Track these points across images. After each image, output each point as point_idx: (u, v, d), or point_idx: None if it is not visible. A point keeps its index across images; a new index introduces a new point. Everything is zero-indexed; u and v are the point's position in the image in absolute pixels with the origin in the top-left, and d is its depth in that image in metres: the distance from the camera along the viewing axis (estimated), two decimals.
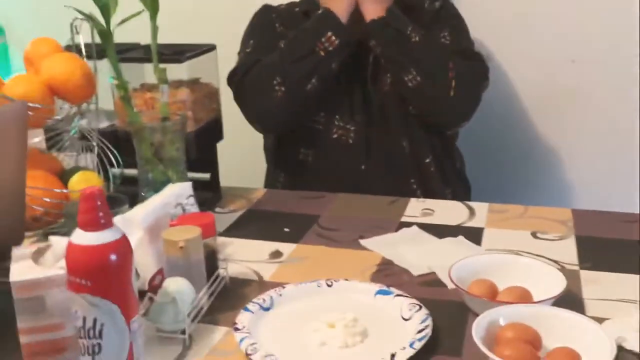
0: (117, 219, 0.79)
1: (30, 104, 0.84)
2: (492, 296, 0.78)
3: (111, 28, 0.87)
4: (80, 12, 0.86)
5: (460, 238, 1.01)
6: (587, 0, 1.50)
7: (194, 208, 0.91)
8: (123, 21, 0.87)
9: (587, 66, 1.53)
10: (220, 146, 1.23)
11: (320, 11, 1.27)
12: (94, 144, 1.04)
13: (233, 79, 1.28)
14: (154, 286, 0.78)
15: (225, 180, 1.26)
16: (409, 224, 1.07)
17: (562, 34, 1.52)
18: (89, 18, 0.86)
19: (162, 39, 1.16)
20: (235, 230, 1.07)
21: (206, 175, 1.22)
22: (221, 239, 1.03)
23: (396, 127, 1.30)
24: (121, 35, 0.98)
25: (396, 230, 1.05)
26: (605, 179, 1.57)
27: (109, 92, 1.11)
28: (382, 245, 0.99)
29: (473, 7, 1.52)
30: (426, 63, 1.23)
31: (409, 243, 0.99)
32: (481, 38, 1.52)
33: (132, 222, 0.80)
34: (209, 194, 1.21)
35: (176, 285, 0.74)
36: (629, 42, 1.48)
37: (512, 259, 0.88)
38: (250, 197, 1.21)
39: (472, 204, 1.15)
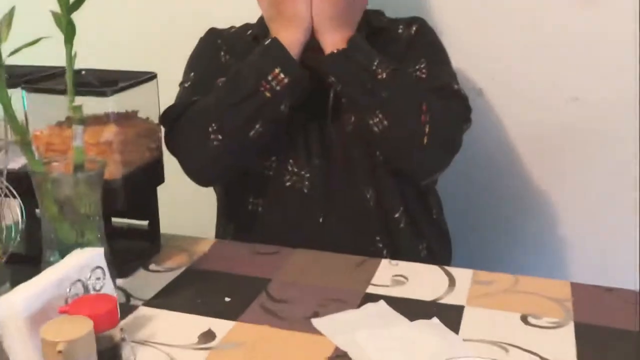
0: None
1: None
2: None
3: (1, 57, 0.70)
4: None
5: (435, 321, 0.83)
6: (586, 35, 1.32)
7: (101, 283, 0.73)
8: (15, 51, 0.69)
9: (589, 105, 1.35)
10: (166, 187, 1.05)
11: (267, 41, 1.06)
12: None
13: (165, 121, 1.07)
14: None
15: (171, 227, 1.09)
16: (375, 297, 0.89)
17: (562, 69, 1.34)
18: None
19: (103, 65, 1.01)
20: (166, 297, 0.90)
21: (144, 223, 1.05)
22: (144, 312, 0.85)
23: (360, 174, 1.11)
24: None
25: (359, 305, 0.87)
26: (606, 241, 1.39)
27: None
28: (338, 329, 0.81)
29: (458, 35, 1.34)
30: (395, 105, 1.03)
31: (372, 326, 0.81)
32: (468, 70, 1.34)
33: (9, 312, 0.63)
34: (147, 245, 1.04)
35: None
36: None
37: None
38: (194, 250, 1.04)
39: (452, 270, 0.97)
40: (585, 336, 0.80)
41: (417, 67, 1.11)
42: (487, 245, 1.45)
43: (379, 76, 1.03)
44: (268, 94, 1.02)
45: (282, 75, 1.02)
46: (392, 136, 1.04)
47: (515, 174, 1.43)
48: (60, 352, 0.59)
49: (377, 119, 1.03)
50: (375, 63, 1.03)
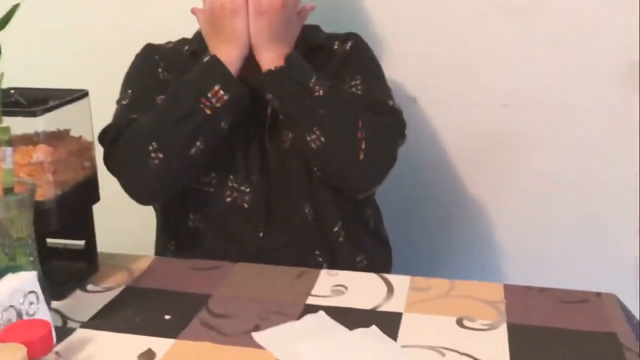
0: None
1: None
2: None
3: None
4: None
5: (374, 329, 0.84)
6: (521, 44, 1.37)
7: (35, 308, 0.72)
8: None
9: (520, 111, 1.40)
10: (103, 205, 1.04)
11: (206, 59, 1.06)
12: None
13: (104, 140, 1.07)
14: None
15: (110, 246, 1.08)
16: (315, 308, 0.90)
17: (494, 77, 1.39)
18: None
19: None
20: (104, 318, 0.88)
21: (80, 243, 1.04)
22: (81, 334, 0.84)
23: (298, 189, 1.12)
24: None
25: (299, 317, 0.88)
26: (540, 241, 1.45)
27: None
28: (279, 341, 0.82)
29: (392, 46, 1.38)
30: (331, 122, 1.04)
31: (312, 337, 0.82)
32: (402, 80, 1.38)
33: None
34: (83, 265, 1.02)
35: None
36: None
37: None
38: (133, 268, 1.03)
39: (391, 278, 0.99)
40: (518, 336, 0.83)
41: (352, 83, 1.12)
42: (426, 252, 1.48)
43: (316, 93, 1.04)
44: (208, 111, 1.03)
45: (222, 92, 1.03)
46: (329, 152, 1.05)
47: (451, 180, 1.47)
48: None
49: (315, 136, 1.04)
50: (312, 80, 1.05)
